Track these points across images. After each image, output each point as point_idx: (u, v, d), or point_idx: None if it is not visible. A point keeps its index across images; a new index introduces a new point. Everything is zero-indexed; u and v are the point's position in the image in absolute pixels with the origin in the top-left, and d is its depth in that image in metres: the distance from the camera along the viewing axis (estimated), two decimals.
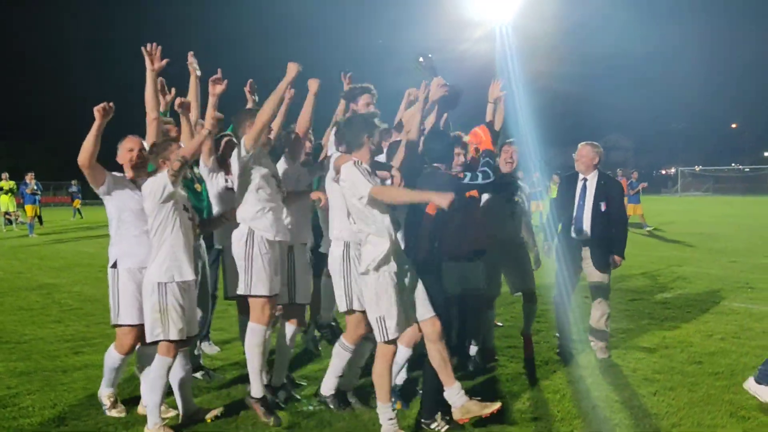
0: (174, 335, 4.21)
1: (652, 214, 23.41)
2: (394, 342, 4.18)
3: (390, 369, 4.21)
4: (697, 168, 68.93)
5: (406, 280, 4.24)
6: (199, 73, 5.04)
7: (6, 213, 23.35)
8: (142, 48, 4.76)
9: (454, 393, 4.25)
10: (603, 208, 5.97)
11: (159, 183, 4.19)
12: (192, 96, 5.04)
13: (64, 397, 5.03)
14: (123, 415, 4.63)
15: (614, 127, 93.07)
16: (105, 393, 4.68)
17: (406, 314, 4.19)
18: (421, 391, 4.65)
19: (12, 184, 22.89)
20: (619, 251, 6.02)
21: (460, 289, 4.99)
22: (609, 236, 5.98)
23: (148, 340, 4.28)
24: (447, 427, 4.39)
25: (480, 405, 4.22)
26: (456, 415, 4.25)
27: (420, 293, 4.28)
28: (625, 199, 23.41)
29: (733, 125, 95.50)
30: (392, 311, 4.09)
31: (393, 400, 4.32)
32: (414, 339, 4.32)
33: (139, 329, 4.37)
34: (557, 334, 6.25)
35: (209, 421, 4.50)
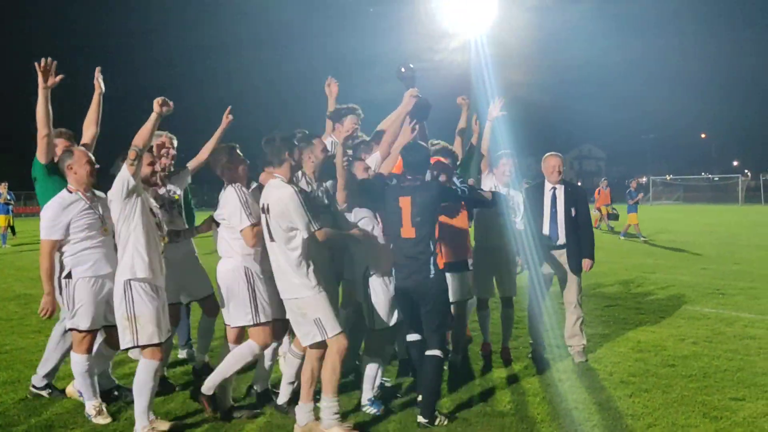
0: (144, 340, 4.28)
1: (625, 222, 23.82)
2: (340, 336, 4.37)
3: (341, 365, 4.39)
4: (668, 177, 70.16)
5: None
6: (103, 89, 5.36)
7: None
8: (36, 64, 4.81)
9: (306, 410, 4.45)
10: (573, 213, 6.22)
11: (121, 179, 4.29)
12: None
13: (50, 405, 5.05)
14: (108, 421, 4.67)
15: (587, 137, 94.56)
16: (91, 404, 4.71)
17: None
18: (419, 395, 4.72)
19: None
20: (590, 254, 6.23)
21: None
22: (579, 241, 6.22)
23: (122, 347, 4.39)
24: (447, 420, 4.60)
25: None
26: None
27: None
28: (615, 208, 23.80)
29: (703, 135, 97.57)
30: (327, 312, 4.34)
31: (371, 402, 4.78)
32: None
33: (93, 332, 4.69)
34: (531, 341, 6.42)
35: None
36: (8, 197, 21.90)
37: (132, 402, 4.55)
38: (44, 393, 5.20)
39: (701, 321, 7.87)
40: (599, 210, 24.35)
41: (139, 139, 4.27)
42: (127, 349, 4.52)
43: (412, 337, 4.84)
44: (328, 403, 4.37)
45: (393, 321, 4.87)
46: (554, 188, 6.30)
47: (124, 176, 4.28)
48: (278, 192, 4.34)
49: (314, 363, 4.46)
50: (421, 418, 4.55)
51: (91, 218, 4.68)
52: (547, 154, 6.39)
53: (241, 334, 4.84)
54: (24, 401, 5.14)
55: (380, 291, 4.83)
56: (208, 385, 4.69)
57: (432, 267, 4.62)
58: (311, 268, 4.37)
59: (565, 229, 6.20)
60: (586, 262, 6.20)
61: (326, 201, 4.84)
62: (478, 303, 6.45)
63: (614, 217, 23.76)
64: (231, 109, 5.68)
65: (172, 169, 5.65)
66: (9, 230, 21.87)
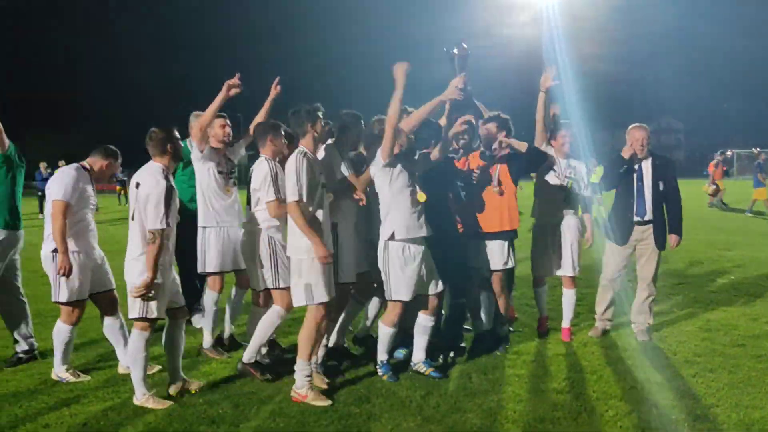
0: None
1: (703, 196, 22.80)
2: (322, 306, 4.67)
3: (317, 332, 4.70)
4: (755, 150, 66.47)
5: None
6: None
7: None
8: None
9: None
10: (661, 187, 5.99)
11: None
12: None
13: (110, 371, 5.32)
14: (89, 379, 5.11)
15: (665, 110, 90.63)
16: (60, 370, 5.10)
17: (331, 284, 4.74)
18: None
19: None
20: (677, 230, 6.03)
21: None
22: (666, 216, 6.03)
23: (130, 316, 4.61)
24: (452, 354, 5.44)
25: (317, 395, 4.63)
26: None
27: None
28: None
29: None
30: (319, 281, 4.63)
31: (381, 364, 5.05)
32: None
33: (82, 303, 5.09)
34: (599, 315, 6.25)
35: (194, 392, 4.76)
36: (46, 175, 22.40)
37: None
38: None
39: None
40: (716, 184, 21.68)
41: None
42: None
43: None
44: (301, 366, 4.63)
45: (409, 296, 5.00)
46: (640, 161, 6.06)
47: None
48: (291, 158, 4.69)
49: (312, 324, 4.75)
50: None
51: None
52: (631, 126, 6.11)
53: (267, 298, 5.23)
54: (95, 367, 5.43)
55: (397, 264, 4.95)
56: (249, 355, 5.02)
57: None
58: (321, 234, 4.62)
59: (652, 204, 5.98)
60: (672, 238, 6.02)
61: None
62: (534, 280, 6.31)
63: (715, 192, 21.68)
64: (279, 79, 5.79)
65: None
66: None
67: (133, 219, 4.55)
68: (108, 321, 5.24)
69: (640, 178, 6.03)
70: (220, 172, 5.69)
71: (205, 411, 4.42)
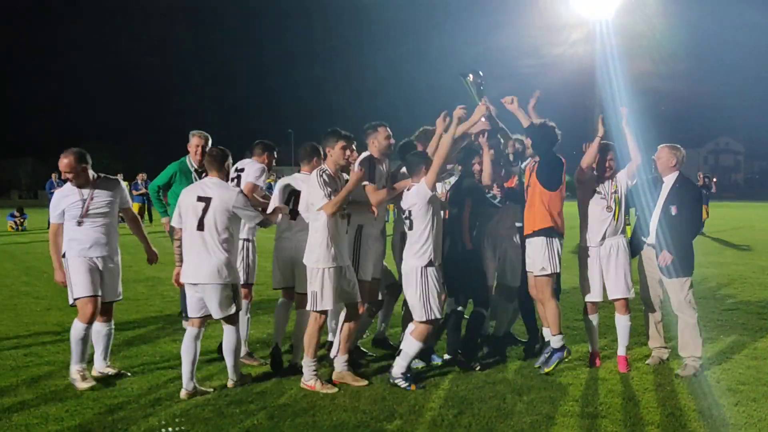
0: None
1: (759, 220, 22.10)
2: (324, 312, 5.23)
3: (318, 334, 5.24)
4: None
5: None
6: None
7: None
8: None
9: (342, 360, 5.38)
10: (673, 212, 5.74)
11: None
12: None
13: (159, 378, 5.49)
14: (91, 385, 5.20)
15: (724, 130, 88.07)
16: (75, 369, 5.27)
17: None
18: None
19: (126, 184, 24.31)
20: (671, 248, 5.67)
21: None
22: (676, 242, 5.71)
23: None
24: (479, 366, 5.69)
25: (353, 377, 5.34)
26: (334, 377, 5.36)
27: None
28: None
29: None
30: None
31: (404, 377, 5.25)
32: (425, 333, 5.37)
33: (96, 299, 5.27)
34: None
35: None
36: (144, 188, 23.49)
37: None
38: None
39: None
40: None
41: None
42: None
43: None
44: (308, 362, 5.19)
45: (438, 314, 5.36)
46: (662, 182, 5.93)
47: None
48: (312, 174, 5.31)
49: (351, 324, 5.34)
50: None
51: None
52: (660, 146, 6.01)
53: (304, 300, 5.46)
54: (139, 375, 5.61)
55: (434, 288, 5.32)
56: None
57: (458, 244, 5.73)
58: (331, 248, 5.09)
59: (656, 227, 5.81)
60: (663, 253, 5.69)
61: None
62: (584, 308, 6.06)
63: None
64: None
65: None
66: (147, 217, 23.55)
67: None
68: (99, 326, 5.47)
69: (656, 199, 5.87)
70: None
71: (241, 421, 4.53)
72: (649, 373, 5.67)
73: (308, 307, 5.20)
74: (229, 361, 5.21)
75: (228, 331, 5.16)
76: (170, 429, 4.39)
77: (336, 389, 5.14)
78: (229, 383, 5.24)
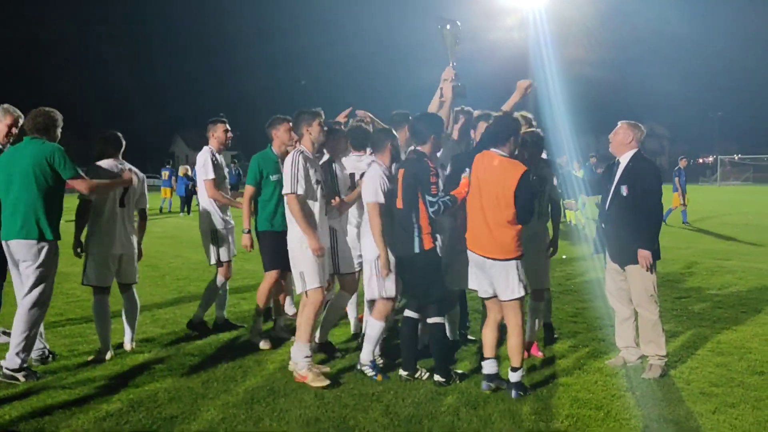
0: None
1: (692, 203, 22.40)
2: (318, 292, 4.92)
3: (315, 317, 4.91)
4: (736, 157, 66.82)
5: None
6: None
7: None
8: None
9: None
10: (624, 192, 5.15)
11: None
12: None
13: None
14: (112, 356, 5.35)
15: (650, 115, 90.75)
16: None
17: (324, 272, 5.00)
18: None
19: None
20: (643, 244, 5.05)
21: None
22: (630, 226, 5.12)
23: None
24: (428, 374, 4.95)
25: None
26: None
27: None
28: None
29: None
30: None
31: (371, 364, 4.99)
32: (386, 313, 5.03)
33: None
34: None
35: None
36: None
37: None
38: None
39: None
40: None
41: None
42: None
43: (408, 312, 5.06)
44: (301, 347, 4.87)
45: (396, 293, 5.02)
46: (618, 162, 5.35)
47: None
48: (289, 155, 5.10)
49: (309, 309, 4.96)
50: (437, 377, 4.86)
51: None
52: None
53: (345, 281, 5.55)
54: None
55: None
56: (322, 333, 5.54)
57: (416, 242, 4.81)
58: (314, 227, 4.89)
59: (606, 209, 5.29)
60: (641, 253, 5.04)
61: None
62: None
63: None
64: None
65: None
66: (186, 209, 23.37)
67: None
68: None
69: (611, 180, 5.32)
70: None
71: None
72: (615, 376, 5.11)
73: (298, 290, 5.01)
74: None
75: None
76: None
77: (328, 382, 4.78)
78: None
